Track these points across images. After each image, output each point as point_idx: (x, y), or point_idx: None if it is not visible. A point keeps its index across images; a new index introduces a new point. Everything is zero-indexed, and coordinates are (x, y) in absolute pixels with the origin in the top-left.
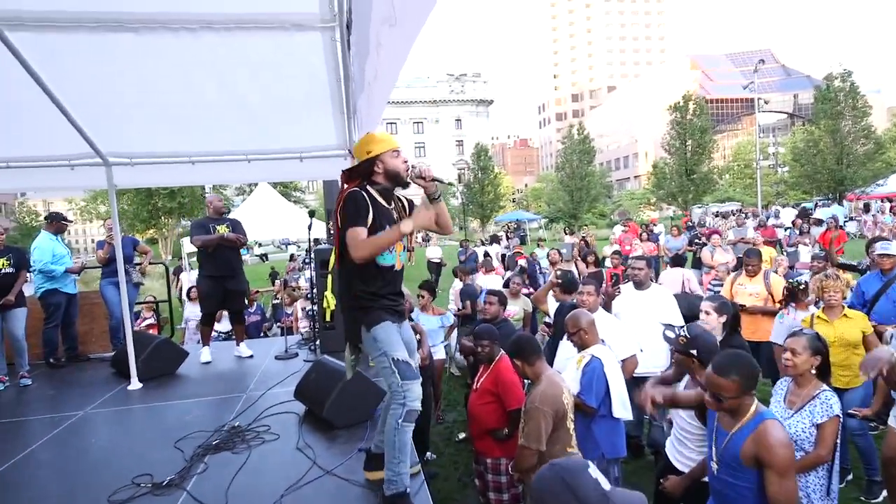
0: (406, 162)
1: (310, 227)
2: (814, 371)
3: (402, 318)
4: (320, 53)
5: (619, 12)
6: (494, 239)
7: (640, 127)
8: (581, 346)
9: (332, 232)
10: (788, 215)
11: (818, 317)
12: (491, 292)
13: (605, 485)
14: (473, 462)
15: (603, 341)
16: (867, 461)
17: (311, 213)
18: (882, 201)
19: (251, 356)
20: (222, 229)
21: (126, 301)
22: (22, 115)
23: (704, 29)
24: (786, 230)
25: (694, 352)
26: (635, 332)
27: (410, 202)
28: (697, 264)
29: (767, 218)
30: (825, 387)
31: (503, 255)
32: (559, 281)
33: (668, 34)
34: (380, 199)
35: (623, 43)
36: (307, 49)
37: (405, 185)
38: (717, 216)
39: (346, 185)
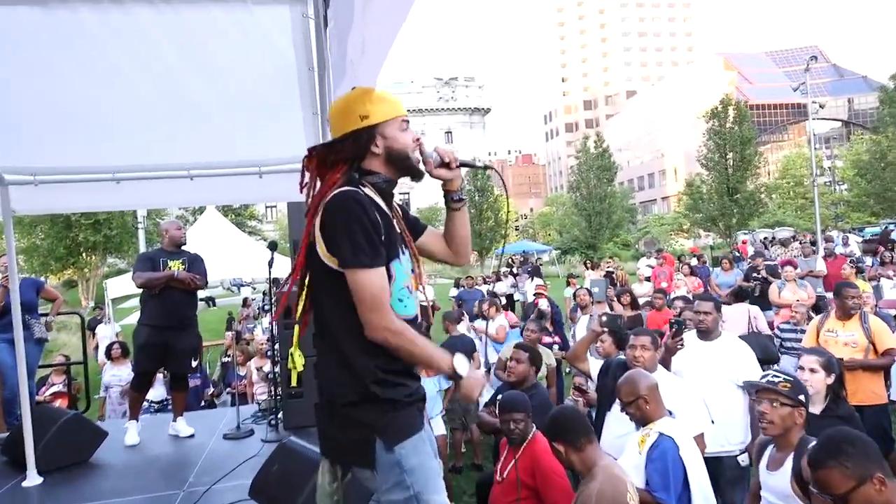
0: (418, 140)
1: (270, 264)
2: None
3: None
4: (287, 34)
5: (637, 5)
6: (498, 275)
7: (668, 139)
8: (641, 421)
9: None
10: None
11: None
12: (520, 346)
13: None
14: None
15: (671, 413)
16: None
17: (272, 246)
18: None
19: (192, 435)
20: (175, 265)
21: (23, 363)
22: None
23: (738, 24)
24: (855, 260)
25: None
26: (703, 396)
27: (406, 212)
28: (759, 305)
29: (835, 246)
30: None
31: (508, 296)
32: (605, 329)
33: (697, 30)
34: (378, 200)
35: (643, 40)
36: (270, 28)
37: (418, 178)
38: (772, 243)
39: (320, 176)
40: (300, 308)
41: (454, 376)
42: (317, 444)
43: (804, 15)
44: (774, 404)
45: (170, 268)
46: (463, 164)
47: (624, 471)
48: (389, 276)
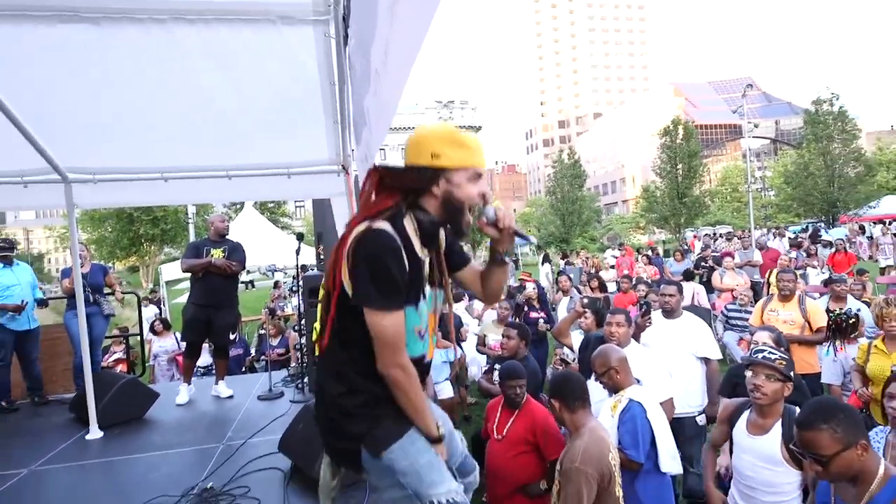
0: (484, 196)
1: (297, 252)
2: None
3: None
4: (311, 51)
5: (603, 42)
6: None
7: (627, 152)
8: (612, 389)
9: (322, 248)
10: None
11: (876, 346)
12: (510, 325)
13: None
14: None
15: (638, 381)
16: None
17: (300, 237)
18: (875, 224)
19: (231, 396)
20: (217, 253)
21: (85, 336)
22: None
23: (686, 57)
24: (787, 254)
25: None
26: (669, 365)
27: (452, 246)
28: (706, 288)
29: (767, 240)
30: None
31: None
32: (586, 309)
33: (652, 62)
34: (415, 241)
35: (608, 71)
36: (296, 46)
37: (462, 234)
38: (715, 239)
39: (376, 194)
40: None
41: (434, 439)
42: None
43: (740, 49)
44: (770, 379)
45: (211, 255)
46: (516, 234)
47: (607, 433)
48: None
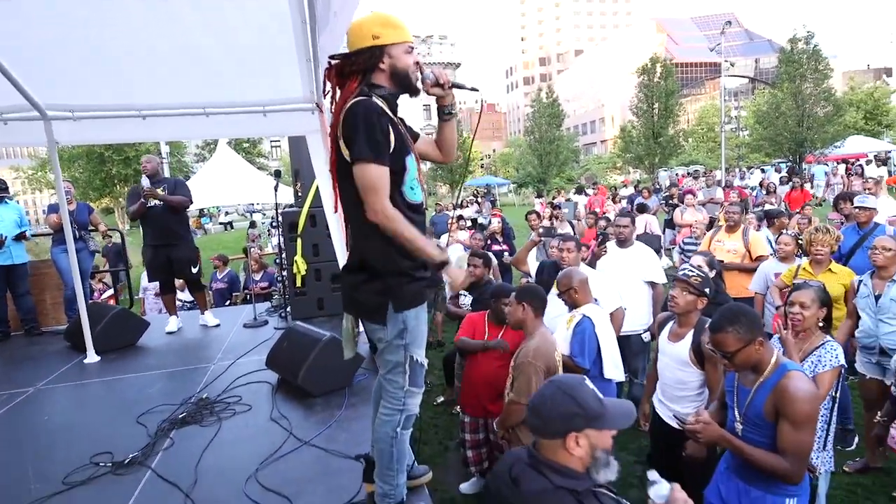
0: (418, 63)
1: (276, 189)
2: (821, 323)
3: (435, 285)
4: None
5: None
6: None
7: (607, 91)
8: (572, 306)
9: (300, 185)
10: (756, 179)
11: (804, 269)
12: (474, 254)
13: (599, 394)
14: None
15: (596, 300)
16: (841, 411)
17: (277, 174)
18: (837, 163)
19: (218, 325)
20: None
21: (77, 269)
22: None
23: None
24: (752, 190)
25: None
26: (620, 289)
27: (406, 126)
28: (670, 225)
29: (733, 179)
30: (829, 337)
31: (473, 220)
32: (541, 239)
33: None
34: (388, 111)
35: (590, 5)
36: None
37: (414, 94)
38: (687, 176)
39: (339, 86)
40: (300, 224)
41: (442, 264)
42: (316, 328)
43: None
44: (684, 292)
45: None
46: (454, 86)
47: (553, 338)
48: (404, 168)
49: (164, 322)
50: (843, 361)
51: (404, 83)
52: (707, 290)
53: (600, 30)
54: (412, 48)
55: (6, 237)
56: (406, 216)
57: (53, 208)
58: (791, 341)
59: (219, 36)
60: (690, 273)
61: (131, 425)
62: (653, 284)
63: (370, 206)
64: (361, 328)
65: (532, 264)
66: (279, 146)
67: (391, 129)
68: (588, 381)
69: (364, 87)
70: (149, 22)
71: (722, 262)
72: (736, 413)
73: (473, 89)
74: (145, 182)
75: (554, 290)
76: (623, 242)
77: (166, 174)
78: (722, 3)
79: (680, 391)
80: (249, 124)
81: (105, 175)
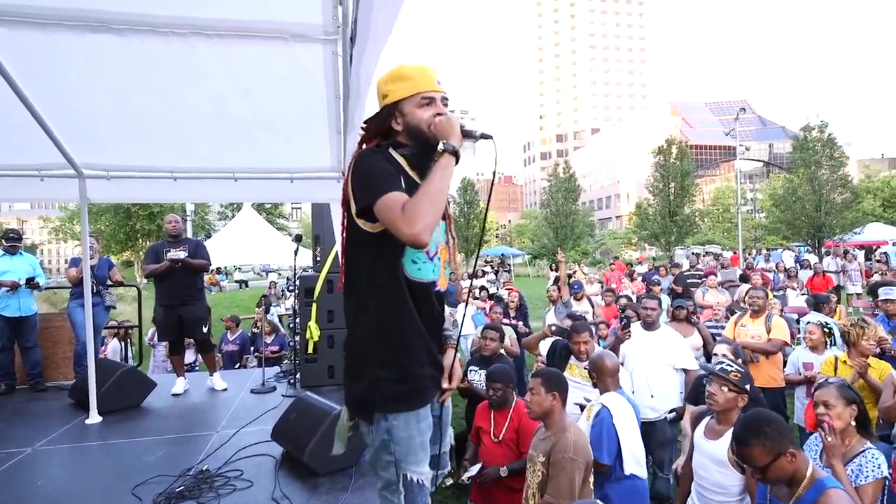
0: (439, 115)
1: (296, 252)
2: (853, 423)
3: (438, 387)
4: (320, 67)
5: (603, 59)
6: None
7: (623, 169)
8: (602, 390)
9: (319, 251)
10: (788, 259)
11: (843, 361)
12: (490, 327)
13: None
14: None
15: (621, 389)
16: None
17: (298, 239)
18: (858, 250)
19: (225, 389)
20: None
21: (90, 325)
22: None
23: (684, 77)
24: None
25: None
26: (647, 374)
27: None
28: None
29: (756, 262)
30: (869, 444)
31: (481, 287)
32: (552, 334)
33: (650, 81)
34: (407, 168)
35: (607, 87)
36: (306, 62)
37: (434, 147)
38: (705, 256)
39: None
40: (317, 290)
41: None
42: (325, 400)
43: (738, 71)
44: (723, 388)
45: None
46: (465, 134)
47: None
48: None
49: (171, 382)
50: (886, 472)
51: (419, 139)
52: (748, 387)
53: (616, 110)
54: (430, 99)
55: (21, 281)
56: (397, 298)
57: (76, 262)
58: (834, 445)
59: (253, 107)
60: (730, 368)
61: (126, 495)
62: (685, 371)
63: (404, 230)
64: None
65: (543, 346)
66: (300, 208)
67: (402, 179)
68: None
69: (383, 146)
70: (186, 92)
71: (746, 348)
72: None
73: (485, 136)
74: (173, 255)
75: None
76: (650, 325)
77: (189, 231)
78: (735, 89)
79: (719, 495)
80: (276, 189)
81: (129, 229)
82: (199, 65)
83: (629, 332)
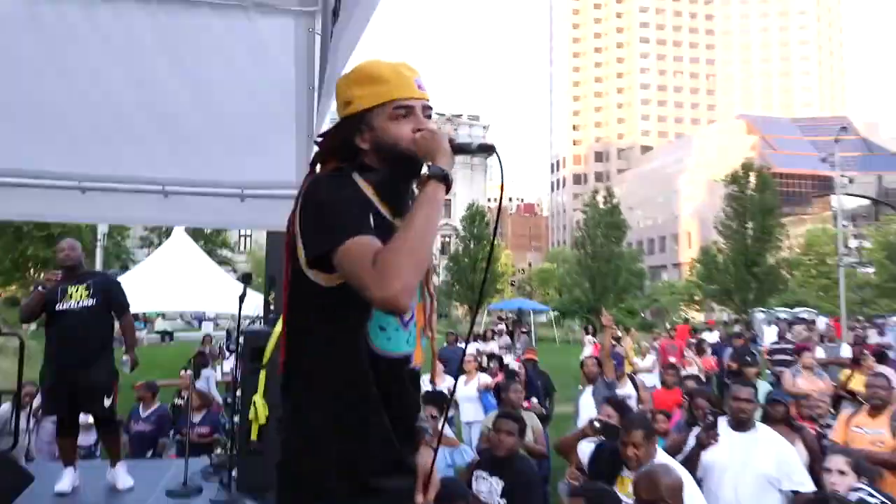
0: (420, 132)
1: (241, 299)
2: None
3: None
4: (290, 48)
5: (658, 56)
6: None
7: (683, 201)
8: None
9: (273, 296)
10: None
11: None
12: (506, 415)
13: None
14: None
15: None
16: None
17: (246, 279)
18: None
19: (131, 488)
20: (77, 294)
21: None
22: None
23: (763, 84)
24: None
25: None
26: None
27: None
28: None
29: (866, 335)
30: None
31: (490, 356)
32: (596, 434)
33: (720, 88)
34: (375, 201)
35: (664, 94)
36: (271, 41)
37: (415, 172)
38: (793, 324)
39: (315, 170)
40: (267, 351)
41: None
42: None
43: (835, 80)
44: None
45: (69, 296)
46: (456, 148)
47: None
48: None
49: (55, 474)
50: None
51: (393, 161)
52: None
53: (674, 124)
54: (408, 108)
55: None
56: (359, 384)
57: None
58: None
59: (197, 93)
60: (873, 500)
61: None
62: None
63: (373, 290)
64: None
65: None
66: (250, 235)
67: (371, 217)
68: None
69: (346, 167)
70: (106, 66)
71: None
72: None
73: (484, 148)
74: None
75: None
76: (743, 424)
77: (97, 262)
78: (832, 104)
79: None
80: (219, 210)
81: (19, 255)
82: (130, 41)
83: (716, 434)
